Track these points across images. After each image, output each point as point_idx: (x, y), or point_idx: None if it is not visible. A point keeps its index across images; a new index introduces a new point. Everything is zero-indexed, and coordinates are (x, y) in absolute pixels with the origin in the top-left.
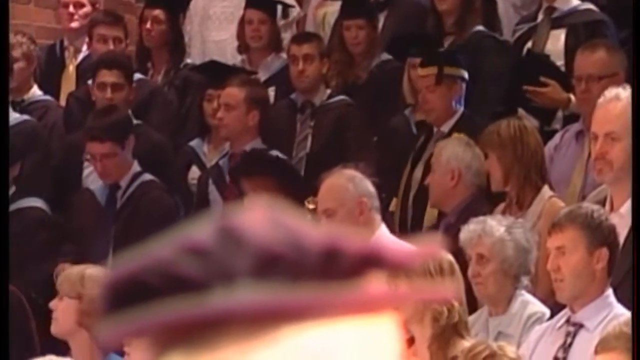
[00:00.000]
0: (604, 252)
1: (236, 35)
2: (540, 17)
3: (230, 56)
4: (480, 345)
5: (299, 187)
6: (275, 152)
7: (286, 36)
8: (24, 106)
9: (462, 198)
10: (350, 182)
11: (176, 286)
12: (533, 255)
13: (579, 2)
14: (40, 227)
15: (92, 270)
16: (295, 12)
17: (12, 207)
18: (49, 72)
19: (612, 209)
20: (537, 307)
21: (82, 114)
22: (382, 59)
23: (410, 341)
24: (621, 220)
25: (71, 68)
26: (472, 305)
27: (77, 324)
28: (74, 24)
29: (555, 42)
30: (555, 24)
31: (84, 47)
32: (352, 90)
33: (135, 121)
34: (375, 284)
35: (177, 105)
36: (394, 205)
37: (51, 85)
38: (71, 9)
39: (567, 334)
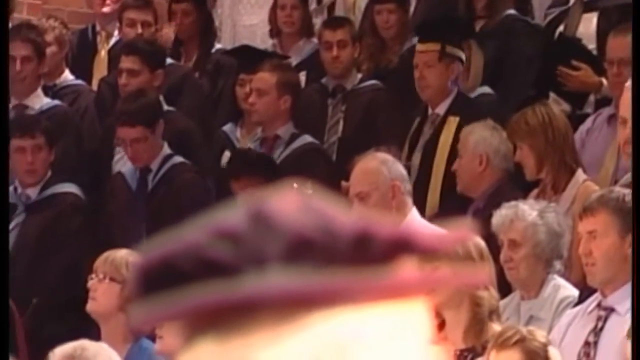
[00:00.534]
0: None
1: (268, 20)
2: (572, 0)
3: (260, 41)
4: (510, 330)
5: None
6: (308, 137)
7: (317, 21)
8: (55, 91)
9: (491, 183)
10: (383, 165)
11: (207, 271)
12: (565, 240)
13: None
14: (75, 212)
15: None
16: None
17: (47, 192)
18: (81, 57)
19: None
20: (569, 291)
21: (113, 100)
22: (413, 43)
23: (441, 326)
24: None
25: (103, 53)
26: (503, 290)
27: (117, 308)
28: (106, 9)
29: (587, 26)
30: (587, 7)
31: (116, 32)
32: (383, 75)
33: (165, 107)
34: (407, 268)
35: (210, 90)
36: None
37: (83, 70)
38: None
39: (598, 318)
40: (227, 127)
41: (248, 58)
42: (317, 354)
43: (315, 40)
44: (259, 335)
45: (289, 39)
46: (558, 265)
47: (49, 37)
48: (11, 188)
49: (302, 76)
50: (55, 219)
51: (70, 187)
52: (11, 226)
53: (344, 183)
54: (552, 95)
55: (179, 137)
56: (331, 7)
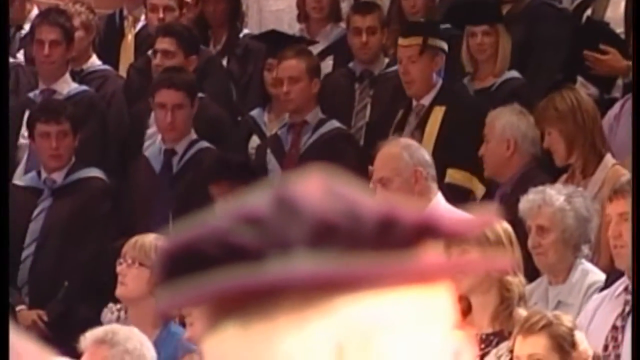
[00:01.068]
0: None
1: (296, 5)
2: None
3: (287, 26)
4: (537, 315)
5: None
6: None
7: (343, 5)
8: (82, 76)
9: (518, 168)
10: (405, 150)
11: (232, 255)
12: (593, 224)
13: None
14: (103, 196)
15: None
16: None
17: (73, 177)
18: (108, 42)
19: None
20: (598, 275)
21: (142, 85)
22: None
23: (466, 311)
24: None
25: (130, 37)
26: (529, 274)
27: (146, 292)
28: None
29: (615, 9)
30: None
31: (143, 17)
32: None
33: None
34: (431, 253)
35: (239, 75)
36: None
37: (110, 55)
38: None
39: (626, 302)
40: (255, 112)
41: (276, 43)
42: (341, 338)
43: (342, 25)
44: (283, 320)
45: (316, 24)
46: (586, 249)
47: (76, 22)
48: (33, 173)
49: (330, 61)
50: (83, 203)
51: (95, 172)
52: (37, 211)
53: (370, 168)
54: (579, 79)
55: (208, 124)
56: None
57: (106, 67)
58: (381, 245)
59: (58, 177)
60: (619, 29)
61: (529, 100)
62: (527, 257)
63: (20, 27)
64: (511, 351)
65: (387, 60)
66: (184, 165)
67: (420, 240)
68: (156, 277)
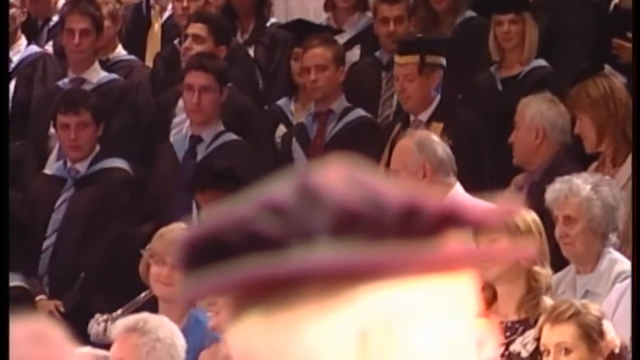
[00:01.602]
0: None
1: None
2: None
3: (313, 15)
4: (564, 304)
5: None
6: (361, 110)
7: None
8: (108, 65)
9: (547, 157)
10: (416, 145)
11: (255, 244)
12: (621, 212)
13: None
14: (124, 187)
15: None
16: None
17: (96, 167)
18: (135, 31)
19: None
20: (626, 265)
21: (169, 74)
22: (466, 16)
23: (490, 300)
24: None
25: (157, 26)
26: (556, 264)
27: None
28: None
29: None
30: None
31: (169, 6)
32: None
33: None
34: (454, 242)
35: (265, 64)
36: None
37: (137, 44)
38: None
39: None
40: (281, 102)
41: (303, 32)
42: (364, 327)
43: (369, 14)
44: (306, 308)
45: (343, 12)
46: (614, 238)
47: (103, 11)
48: (60, 162)
49: (356, 50)
50: (104, 194)
51: (119, 163)
52: (60, 201)
53: None
54: (607, 67)
55: (234, 113)
56: None
57: (132, 57)
58: (404, 234)
59: (81, 167)
60: None
61: (557, 88)
62: (555, 247)
63: (49, 19)
64: (537, 339)
65: None
66: (209, 154)
67: (443, 229)
68: (180, 266)
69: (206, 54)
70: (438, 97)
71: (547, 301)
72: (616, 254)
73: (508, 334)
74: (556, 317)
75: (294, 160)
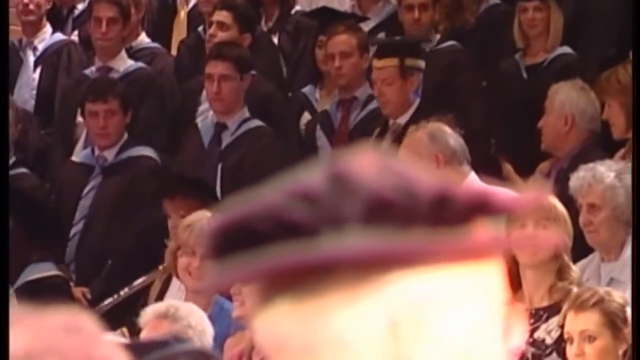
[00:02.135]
0: None
1: None
2: None
3: (338, 2)
4: (589, 291)
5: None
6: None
7: None
8: (131, 53)
9: (575, 144)
10: (427, 136)
11: (285, 232)
12: None
13: None
14: (151, 175)
15: None
16: None
17: (124, 155)
18: (161, 19)
19: None
20: None
21: (193, 62)
22: (490, 3)
23: (516, 287)
24: None
25: (182, 14)
26: (579, 252)
27: None
28: None
29: None
30: None
31: None
32: (461, 35)
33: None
34: (485, 230)
35: (290, 52)
36: None
37: (163, 32)
38: None
39: None
40: (306, 89)
41: (328, 20)
42: (394, 315)
43: (394, 1)
44: (335, 296)
45: (368, 0)
46: None
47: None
48: (88, 150)
49: (381, 37)
50: (131, 182)
51: (146, 151)
52: (88, 188)
53: None
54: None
55: (259, 101)
56: None
57: (155, 44)
58: (435, 222)
59: (109, 154)
60: None
61: (582, 75)
62: (579, 234)
63: (74, 8)
64: (561, 327)
65: (438, 36)
66: (234, 141)
67: (474, 216)
68: (209, 254)
69: (225, 43)
70: (417, 101)
71: (573, 289)
72: None
73: (532, 320)
74: (580, 304)
75: (318, 148)
